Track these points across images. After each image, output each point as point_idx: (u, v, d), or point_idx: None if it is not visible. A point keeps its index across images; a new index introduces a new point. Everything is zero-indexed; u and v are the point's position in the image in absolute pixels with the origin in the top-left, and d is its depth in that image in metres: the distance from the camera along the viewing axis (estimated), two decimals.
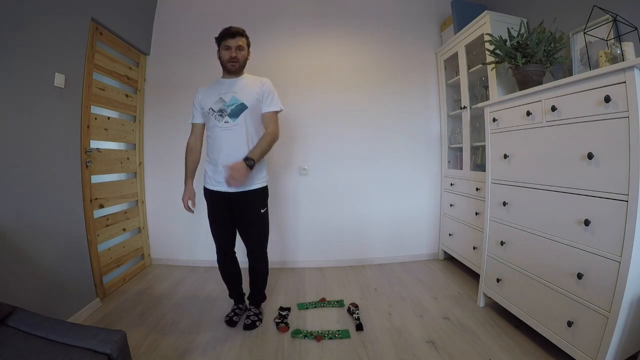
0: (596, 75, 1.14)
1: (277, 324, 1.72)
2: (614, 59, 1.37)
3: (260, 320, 1.77)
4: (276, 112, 1.66)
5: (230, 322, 1.74)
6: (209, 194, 1.68)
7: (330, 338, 1.60)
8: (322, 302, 1.98)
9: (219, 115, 1.58)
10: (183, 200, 1.74)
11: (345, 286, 2.24)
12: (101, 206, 2.12)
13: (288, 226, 2.66)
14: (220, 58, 1.62)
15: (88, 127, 1.96)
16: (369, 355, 1.47)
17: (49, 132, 1.68)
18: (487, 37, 1.77)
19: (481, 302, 1.88)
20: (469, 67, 2.25)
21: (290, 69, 2.59)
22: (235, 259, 1.83)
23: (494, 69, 1.86)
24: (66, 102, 1.79)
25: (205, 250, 2.69)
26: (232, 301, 1.90)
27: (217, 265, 1.83)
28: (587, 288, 1.20)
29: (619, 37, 1.47)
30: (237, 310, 1.81)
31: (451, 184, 2.51)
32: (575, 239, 1.24)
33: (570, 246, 1.26)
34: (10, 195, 1.46)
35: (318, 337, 1.60)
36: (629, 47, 1.37)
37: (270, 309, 1.91)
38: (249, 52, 1.65)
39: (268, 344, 1.57)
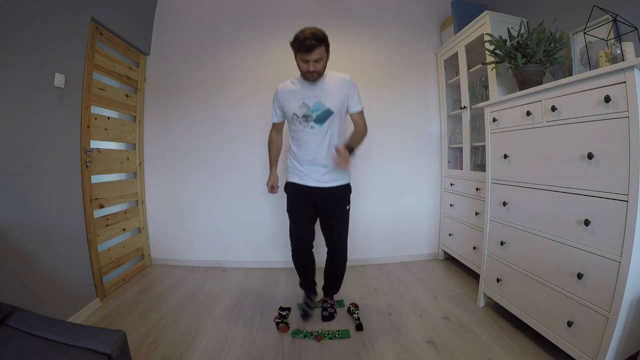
0: (596, 75, 1.13)
1: (277, 324, 1.72)
2: (614, 59, 1.37)
3: (336, 310, 1.84)
4: (362, 111, 1.69)
5: (305, 315, 1.77)
6: (292, 186, 1.70)
7: (330, 338, 1.60)
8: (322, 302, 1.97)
9: (303, 120, 1.59)
10: (267, 184, 1.83)
11: (345, 286, 2.23)
12: (101, 206, 2.12)
13: (287, 226, 2.65)
14: (298, 66, 1.55)
15: (88, 127, 1.96)
16: (369, 355, 1.47)
17: (49, 132, 1.68)
18: (487, 37, 1.77)
19: (481, 302, 1.88)
20: (469, 67, 2.25)
21: (290, 69, 2.57)
22: (312, 254, 1.76)
23: (494, 69, 1.86)
24: (66, 102, 1.79)
25: (205, 250, 2.70)
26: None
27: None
28: (587, 288, 1.20)
29: (619, 37, 1.47)
30: (310, 302, 1.82)
31: (451, 184, 2.51)
32: (575, 239, 1.24)
33: (570, 246, 1.26)
34: (10, 195, 1.46)
35: (318, 337, 1.60)
36: (629, 47, 1.37)
37: (270, 309, 1.91)
38: (328, 55, 1.56)
39: (268, 344, 1.57)
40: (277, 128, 1.80)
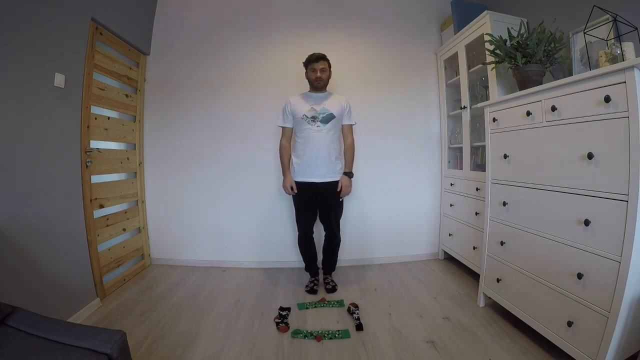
0: (596, 75, 1.13)
1: (277, 324, 1.72)
2: (614, 59, 1.37)
3: (337, 284, 2.22)
4: (352, 125, 2.12)
5: (312, 291, 2.14)
6: (297, 185, 2.06)
7: (330, 338, 1.60)
8: (322, 302, 1.97)
9: (311, 120, 2.01)
10: (284, 186, 2.09)
11: (345, 286, 2.24)
12: (101, 206, 2.12)
13: (288, 226, 2.66)
14: (307, 77, 2.07)
15: (88, 127, 1.96)
16: (369, 355, 1.47)
17: (49, 132, 1.68)
18: (487, 37, 1.77)
19: (481, 302, 1.88)
20: (469, 67, 2.25)
21: (290, 70, 2.58)
22: (313, 239, 2.21)
23: (494, 69, 1.86)
24: (66, 102, 1.79)
25: (205, 250, 2.70)
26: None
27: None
28: (587, 288, 1.20)
29: (619, 37, 1.47)
30: (315, 281, 2.21)
31: (451, 184, 2.51)
32: (575, 239, 1.24)
33: (570, 246, 1.27)
34: (10, 195, 1.46)
35: (318, 337, 1.60)
36: (629, 47, 1.37)
37: (270, 309, 1.91)
38: (330, 72, 2.08)
39: (268, 344, 1.57)
40: (286, 134, 2.11)
